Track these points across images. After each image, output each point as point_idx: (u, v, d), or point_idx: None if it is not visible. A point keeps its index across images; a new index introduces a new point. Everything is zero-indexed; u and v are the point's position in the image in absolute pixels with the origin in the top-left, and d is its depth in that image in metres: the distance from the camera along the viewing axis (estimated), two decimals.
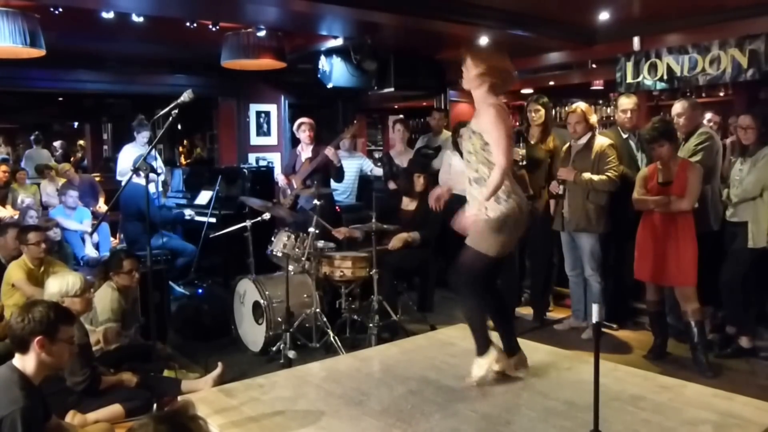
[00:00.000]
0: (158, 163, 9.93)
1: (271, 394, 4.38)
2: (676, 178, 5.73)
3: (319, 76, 9.39)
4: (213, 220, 8.54)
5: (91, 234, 9.15)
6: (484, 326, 4.50)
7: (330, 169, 7.80)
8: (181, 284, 8.29)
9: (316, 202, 6.57)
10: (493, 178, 4.17)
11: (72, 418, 4.32)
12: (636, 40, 8.07)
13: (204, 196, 9.35)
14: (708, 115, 7.80)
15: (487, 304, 4.51)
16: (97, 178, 12.47)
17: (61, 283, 4.58)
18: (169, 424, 2.21)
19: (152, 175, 5.74)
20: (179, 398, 4.55)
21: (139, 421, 2.27)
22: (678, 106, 6.32)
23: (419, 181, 7.31)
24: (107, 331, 5.39)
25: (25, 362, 3.22)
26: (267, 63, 8.06)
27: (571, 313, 7.13)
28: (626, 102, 6.94)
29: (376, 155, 13.04)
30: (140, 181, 5.06)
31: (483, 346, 4.45)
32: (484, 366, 4.40)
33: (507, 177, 4.25)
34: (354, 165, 9.41)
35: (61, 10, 6.45)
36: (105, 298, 5.49)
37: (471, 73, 4.47)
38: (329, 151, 7.61)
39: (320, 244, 6.70)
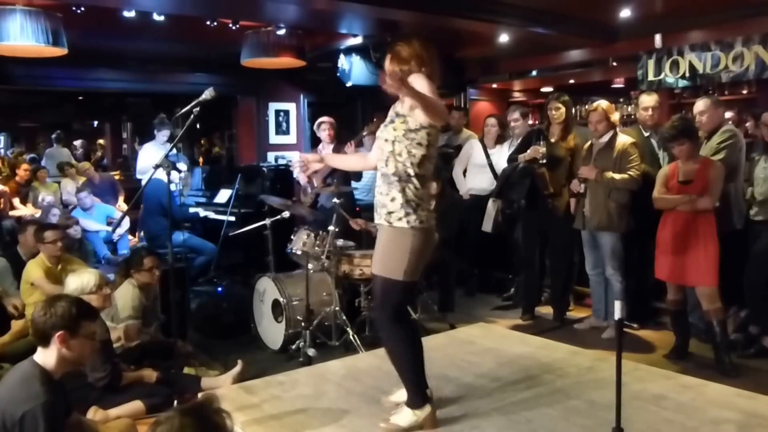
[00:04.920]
0: (182, 163, 9.97)
1: (292, 391, 4.39)
2: (697, 176, 5.69)
3: (338, 74, 9.39)
4: (232, 218, 8.55)
5: (113, 231, 9.18)
6: (420, 367, 3.78)
7: None
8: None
9: (336, 200, 6.58)
10: (436, 104, 3.54)
11: (93, 414, 4.34)
12: (658, 38, 8.02)
13: (223, 195, 9.37)
14: (728, 114, 7.74)
15: (406, 339, 3.76)
16: (116, 177, 12.54)
17: (78, 281, 4.60)
18: (194, 417, 2.22)
19: (173, 173, 5.75)
20: (200, 394, 4.56)
21: (165, 414, 2.27)
22: (700, 104, 6.26)
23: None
24: (128, 328, 5.42)
25: (47, 357, 3.23)
26: (286, 61, 8.08)
27: (591, 313, 7.09)
28: (648, 100, 6.89)
29: None
30: (164, 176, 5.08)
31: (419, 396, 3.76)
32: (410, 421, 3.74)
33: (423, 187, 3.68)
34: None
35: (83, 9, 6.51)
36: (126, 295, 5.53)
37: (391, 67, 3.84)
38: (349, 149, 7.61)
39: (340, 242, 6.70)
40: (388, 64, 3.89)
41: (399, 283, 3.66)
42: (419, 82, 3.56)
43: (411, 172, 3.65)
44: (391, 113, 3.82)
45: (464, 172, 8.28)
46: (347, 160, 4.90)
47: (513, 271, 8.24)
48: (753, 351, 6.02)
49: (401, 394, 3.90)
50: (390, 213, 3.64)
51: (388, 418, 3.79)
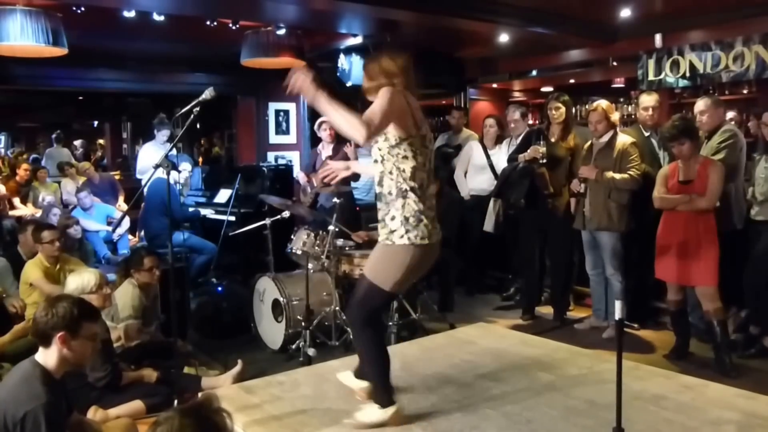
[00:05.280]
0: (186, 163, 9.96)
1: (292, 391, 4.39)
2: (697, 176, 5.68)
3: (338, 74, 9.37)
4: (232, 218, 8.56)
5: (113, 231, 9.17)
6: (387, 370, 3.82)
7: None
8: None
9: (335, 200, 6.58)
10: (349, 122, 3.44)
11: (94, 413, 4.34)
12: (658, 37, 8.02)
13: (223, 195, 9.38)
14: (730, 114, 7.73)
15: (376, 342, 3.83)
16: (116, 177, 12.53)
17: (78, 281, 4.61)
18: (194, 417, 2.21)
19: (174, 173, 5.75)
20: (200, 394, 4.56)
21: (164, 414, 2.27)
22: (701, 104, 6.26)
23: (431, 187, 7.26)
24: (128, 327, 5.43)
25: (47, 357, 3.23)
26: (286, 61, 8.06)
27: (591, 313, 7.09)
28: (648, 99, 6.89)
29: None
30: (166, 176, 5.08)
31: (387, 396, 3.81)
32: (377, 418, 3.77)
33: (421, 200, 3.68)
34: None
35: (83, 9, 6.49)
36: (126, 295, 5.54)
37: (365, 82, 3.88)
38: (348, 149, 7.61)
39: (340, 242, 6.70)
40: (364, 81, 3.90)
41: (384, 292, 3.71)
42: (381, 96, 3.55)
43: (405, 187, 3.64)
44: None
45: (465, 173, 8.27)
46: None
47: (512, 271, 8.25)
48: (753, 351, 6.02)
49: (367, 413, 3.87)
50: (392, 232, 3.65)
51: (355, 415, 3.83)
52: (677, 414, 3.91)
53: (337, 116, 3.50)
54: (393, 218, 3.65)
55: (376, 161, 3.73)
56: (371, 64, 3.83)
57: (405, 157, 3.64)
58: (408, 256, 3.63)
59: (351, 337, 6.03)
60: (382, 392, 3.81)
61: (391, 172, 3.65)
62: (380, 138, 3.65)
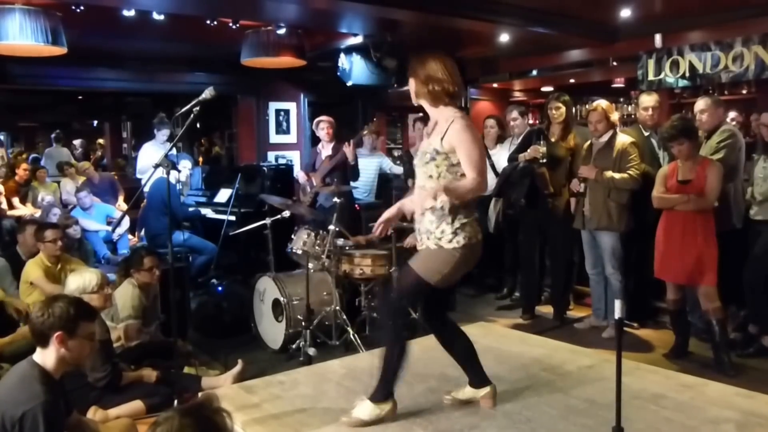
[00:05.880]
0: (186, 161, 9.96)
1: (292, 391, 4.40)
2: (696, 176, 5.69)
3: (338, 73, 9.38)
4: (232, 218, 8.55)
5: (112, 231, 9.17)
6: (398, 366, 3.86)
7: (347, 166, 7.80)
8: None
9: (335, 199, 6.57)
10: (464, 184, 3.68)
11: (93, 413, 4.35)
12: (658, 38, 8.01)
13: (223, 194, 9.37)
14: (731, 114, 7.74)
15: (400, 335, 3.89)
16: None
17: (79, 281, 4.61)
18: (194, 417, 2.21)
19: (175, 172, 5.76)
20: (200, 394, 4.57)
21: (164, 414, 2.27)
22: (701, 103, 6.27)
23: None
24: (128, 327, 5.43)
25: (45, 357, 3.23)
26: (287, 61, 8.08)
27: (591, 312, 7.09)
28: (648, 99, 6.89)
29: (396, 153, 13.03)
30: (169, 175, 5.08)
31: (385, 391, 3.88)
32: (371, 413, 3.85)
33: (469, 210, 3.84)
34: (374, 163, 9.42)
35: (82, 8, 6.48)
36: (126, 294, 5.54)
37: (413, 85, 3.93)
38: (347, 148, 7.60)
39: (340, 241, 6.69)
40: (412, 84, 3.94)
41: (429, 285, 3.81)
42: (466, 142, 3.73)
43: (457, 202, 3.74)
44: (426, 146, 3.88)
45: None
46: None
47: (504, 270, 8.26)
48: (752, 350, 6.02)
49: (465, 392, 4.10)
50: (440, 238, 3.76)
51: (350, 413, 3.89)
52: (676, 413, 3.91)
53: (463, 193, 3.70)
54: (443, 231, 3.76)
55: (431, 176, 3.82)
56: (419, 67, 3.88)
57: (462, 174, 3.77)
58: (457, 255, 3.76)
59: (351, 336, 6.07)
60: (384, 387, 3.87)
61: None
62: (439, 156, 3.78)
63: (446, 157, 3.77)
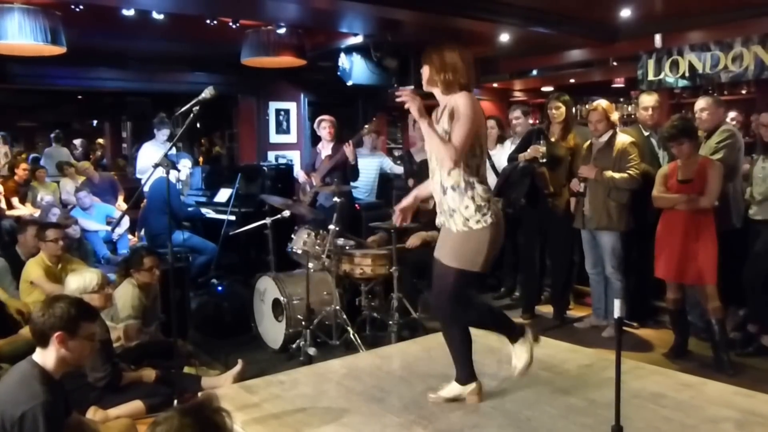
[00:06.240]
0: (186, 160, 9.95)
1: (292, 390, 4.39)
2: (696, 175, 5.69)
3: (339, 73, 9.38)
4: (233, 217, 8.55)
5: (112, 231, 9.17)
6: (470, 354, 4.14)
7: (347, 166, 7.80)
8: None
9: (335, 199, 6.57)
10: (443, 140, 3.81)
11: (93, 413, 4.34)
12: (658, 38, 8.03)
13: (223, 194, 9.36)
14: (732, 114, 7.75)
15: (478, 319, 4.24)
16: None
17: (80, 280, 4.61)
18: (194, 417, 2.21)
19: (174, 171, 5.75)
20: (200, 394, 4.56)
21: (164, 414, 2.27)
22: (702, 102, 6.27)
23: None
24: (128, 327, 5.42)
25: (46, 357, 3.23)
26: (287, 60, 8.08)
27: (591, 312, 7.09)
28: (648, 99, 6.90)
29: (396, 153, 13.02)
30: (170, 175, 5.07)
31: (468, 375, 4.14)
32: (455, 393, 4.13)
33: (486, 187, 3.95)
34: (374, 163, 9.42)
35: (82, 7, 6.48)
36: (126, 294, 5.53)
37: (427, 72, 4.04)
38: (346, 148, 7.60)
39: (340, 241, 6.69)
40: (426, 71, 4.05)
41: (474, 274, 3.96)
42: (462, 116, 3.84)
43: (473, 180, 3.89)
44: (440, 131, 3.93)
45: None
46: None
47: (504, 270, 8.26)
48: (751, 349, 6.03)
49: (450, 389, 4.17)
50: (467, 219, 3.87)
51: (437, 390, 4.15)
52: (676, 412, 3.91)
53: (434, 141, 3.86)
54: (467, 207, 3.87)
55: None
56: (435, 55, 3.99)
57: (474, 155, 3.91)
58: (487, 235, 3.89)
59: (351, 336, 6.07)
60: (463, 369, 4.13)
61: (459, 167, 3.87)
62: (447, 136, 3.88)
63: None
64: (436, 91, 4.06)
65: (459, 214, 3.89)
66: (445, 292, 4.02)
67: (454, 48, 3.99)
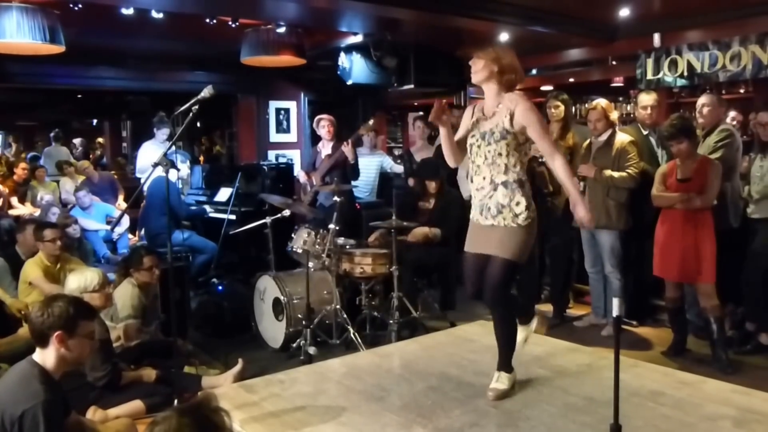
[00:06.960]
0: (181, 160, 9.94)
1: (292, 390, 4.40)
2: (695, 174, 5.70)
3: (338, 72, 9.37)
4: (233, 217, 8.55)
5: (112, 230, 9.17)
6: (515, 338, 4.35)
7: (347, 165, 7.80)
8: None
9: (335, 198, 6.58)
10: (563, 171, 4.09)
11: (93, 413, 4.34)
12: (656, 37, 8.02)
13: (223, 193, 9.36)
14: (732, 113, 7.75)
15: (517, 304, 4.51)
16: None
17: (80, 280, 4.61)
18: (192, 417, 2.22)
19: (173, 171, 5.75)
20: (199, 393, 4.56)
21: (162, 413, 2.27)
22: (704, 98, 6.30)
23: (431, 185, 7.23)
24: (128, 327, 5.42)
25: (45, 357, 3.23)
26: (287, 60, 8.07)
27: (590, 310, 7.11)
28: (646, 98, 6.91)
29: (396, 152, 13.03)
30: (170, 174, 5.07)
31: (508, 360, 4.29)
32: (512, 381, 4.27)
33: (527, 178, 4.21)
34: (374, 162, 9.42)
35: (80, 6, 6.45)
36: (125, 294, 5.54)
37: (489, 68, 4.39)
38: (346, 147, 7.59)
39: (340, 240, 6.70)
40: (487, 66, 4.42)
41: (519, 265, 4.16)
42: (537, 122, 4.22)
43: (524, 178, 4.15)
44: (492, 126, 4.25)
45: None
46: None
47: None
48: (749, 348, 6.06)
49: (499, 382, 4.25)
50: (517, 215, 4.06)
51: (493, 388, 4.19)
52: (674, 410, 3.93)
53: (569, 175, 4.17)
54: (518, 203, 4.06)
55: (500, 154, 4.11)
56: (503, 56, 4.41)
57: (526, 154, 4.21)
58: (533, 230, 4.13)
59: (351, 335, 6.07)
60: (508, 360, 4.28)
61: (515, 165, 4.10)
62: (509, 136, 4.12)
63: (515, 137, 4.11)
64: (491, 87, 4.41)
65: (509, 210, 4.06)
66: (498, 283, 4.12)
67: (510, 50, 4.42)
